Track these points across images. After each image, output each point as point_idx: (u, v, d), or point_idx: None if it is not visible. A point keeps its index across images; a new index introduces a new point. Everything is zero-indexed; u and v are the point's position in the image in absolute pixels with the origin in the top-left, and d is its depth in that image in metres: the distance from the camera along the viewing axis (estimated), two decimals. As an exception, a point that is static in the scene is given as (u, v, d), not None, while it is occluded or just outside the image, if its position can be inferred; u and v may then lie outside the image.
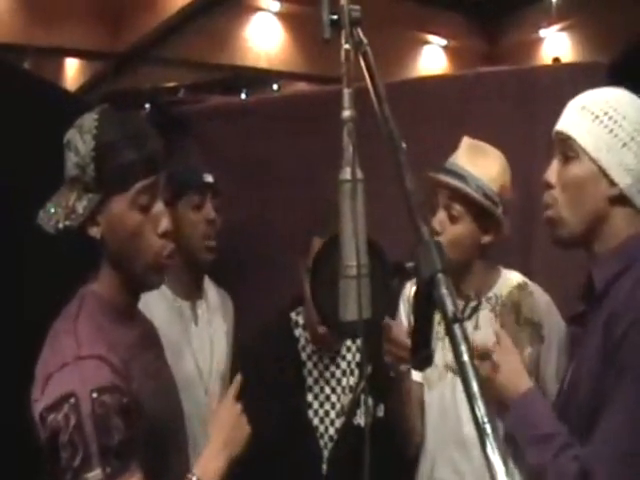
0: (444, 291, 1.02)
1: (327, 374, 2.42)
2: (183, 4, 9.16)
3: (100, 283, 1.71)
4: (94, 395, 1.49)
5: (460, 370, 0.96)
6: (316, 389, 2.42)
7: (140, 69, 11.40)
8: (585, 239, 1.76)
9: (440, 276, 1.03)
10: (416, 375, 2.27)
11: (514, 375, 1.87)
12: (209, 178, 2.46)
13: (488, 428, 0.92)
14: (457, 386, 2.16)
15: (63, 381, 1.52)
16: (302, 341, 2.46)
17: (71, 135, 1.66)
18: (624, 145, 1.69)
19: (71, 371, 1.53)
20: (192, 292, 2.50)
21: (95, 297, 1.69)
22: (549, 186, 1.79)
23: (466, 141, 2.24)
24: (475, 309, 1.99)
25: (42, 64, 11.01)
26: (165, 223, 1.68)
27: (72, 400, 1.49)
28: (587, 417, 1.63)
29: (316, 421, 2.40)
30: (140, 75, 11.81)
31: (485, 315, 2.21)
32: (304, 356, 2.45)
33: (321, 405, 2.41)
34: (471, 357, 0.96)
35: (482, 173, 2.15)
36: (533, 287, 2.27)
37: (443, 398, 2.23)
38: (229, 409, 1.84)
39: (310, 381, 2.43)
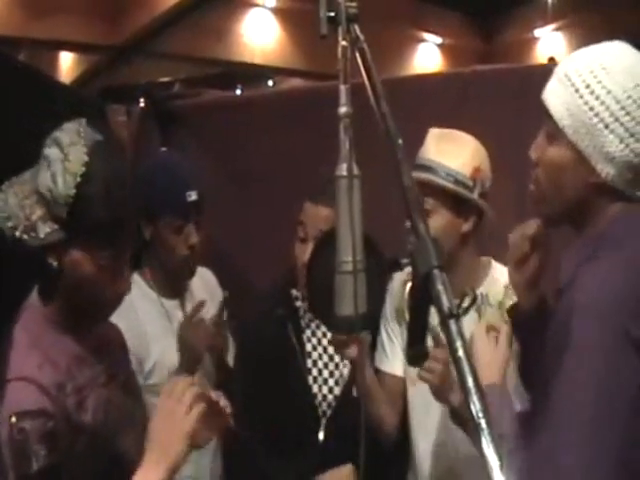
0: (440, 287, 1.02)
1: (324, 341, 2.44)
2: (179, -1, 9.17)
3: (47, 297, 1.63)
4: (13, 420, 1.43)
5: (456, 366, 0.97)
6: (315, 355, 2.44)
7: (135, 63, 11.39)
8: (569, 221, 1.60)
9: (436, 272, 1.03)
10: (397, 369, 2.27)
11: (481, 367, 1.72)
12: (192, 196, 2.26)
13: (483, 423, 0.93)
14: None
15: None
16: (301, 311, 2.47)
17: (54, 157, 1.53)
18: (606, 127, 1.45)
19: (3, 394, 1.49)
20: (177, 290, 2.45)
21: (37, 312, 1.63)
22: (534, 163, 1.63)
23: (432, 132, 2.17)
24: (471, 304, 1.98)
25: (37, 57, 10.97)
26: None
27: None
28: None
29: (315, 387, 2.42)
30: (135, 69, 11.79)
31: (469, 315, 2.14)
32: (303, 323, 2.46)
33: (320, 372, 2.43)
34: (466, 353, 0.97)
35: (451, 160, 2.08)
36: None
37: (427, 394, 2.21)
38: (166, 406, 1.50)
39: (309, 347, 2.44)
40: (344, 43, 1.29)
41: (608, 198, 1.51)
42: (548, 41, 13.11)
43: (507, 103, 2.69)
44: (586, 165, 1.49)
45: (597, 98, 1.46)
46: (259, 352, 2.40)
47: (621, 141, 1.45)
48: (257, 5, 11.77)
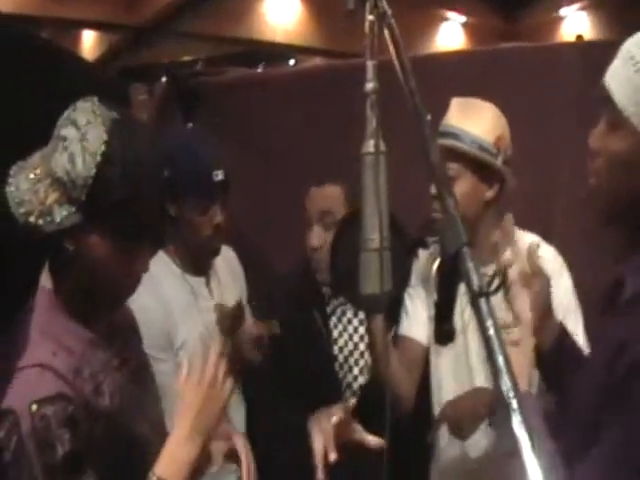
0: (470, 265, 1.01)
1: (350, 328, 2.45)
2: (201, -23, 9.14)
3: (58, 279, 1.58)
4: (34, 408, 1.41)
5: (486, 345, 0.95)
6: (341, 342, 2.45)
7: (157, 42, 11.37)
8: (631, 221, 1.44)
9: (465, 250, 1.02)
10: (418, 335, 2.24)
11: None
12: (219, 176, 2.21)
13: (514, 403, 0.91)
14: (470, 350, 2.13)
15: (5, 395, 1.44)
16: (327, 297, 2.48)
17: (71, 137, 1.47)
18: None
19: (13, 384, 1.45)
20: (202, 268, 2.41)
21: (47, 295, 1.58)
22: (593, 153, 1.47)
23: (455, 100, 2.18)
24: (502, 283, 1.95)
25: (58, 36, 10.99)
26: (145, 267, 1.59)
27: (12, 417, 1.41)
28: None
29: (341, 374, 2.43)
30: (157, 48, 11.78)
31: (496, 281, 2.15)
32: (329, 310, 2.47)
33: (346, 359, 2.43)
34: (497, 331, 0.95)
35: (475, 127, 2.10)
36: (544, 251, 2.08)
37: (457, 362, 2.19)
38: (198, 382, 1.55)
39: (335, 334, 2.45)
40: (371, 18, 1.27)
41: None
42: (573, 20, 12.96)
43: (533, 81, 2.66)
44: None
45: None
46: (284, 335, 2.38)
47: None
48: (279, -16, 11.74)
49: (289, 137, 2.98)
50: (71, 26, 11.31)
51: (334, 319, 2.45)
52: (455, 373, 2.19)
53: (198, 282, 2.37)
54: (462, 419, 2.12)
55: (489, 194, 2.13)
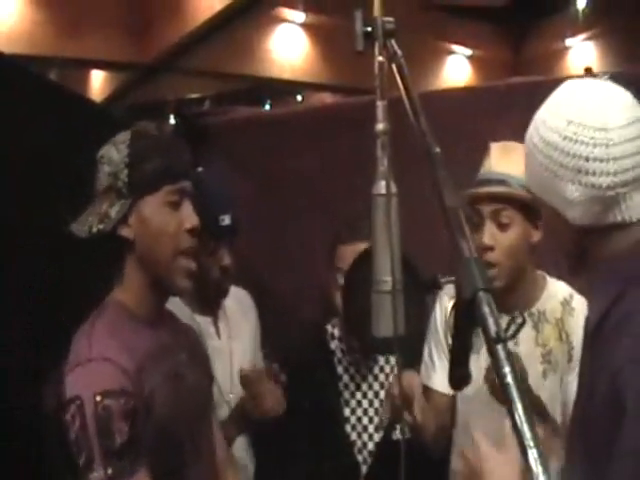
0: (486, 310, 0.99)
1: (364, 386, 2.41)
2: (208, 15, 9.18)
3: (124, 289, 1.77)
4: (98, 398, 1.54)
5: (504, 392, 0.93)
6: (353, 403, 2.40)
7: (165, 80, 11.44)
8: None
9: (481, 294, 1.00)
10: (446, 387, 2.18)
11: None
12: (226, 220, 2.26)
13: (534, 453, 0.89)
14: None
15: (72, 383, 1.60)
16: (338, 353, 2.44)
17: (105, 149, 1.76)
18: (556, 176, 1.44)
19: (80, 373, 1.60)
20: (211, 307, 2.43)
21: (118, 305, 1.75)
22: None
23: (494, 145, 2.19)
24: (520, 327, 1.94)
25: (68, 75, 11.08)
26: (193, 220, 1.76)
27: (78, 402, 1.55)
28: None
29: (354, 435, 2.38)
30: (165, 86, 11.86)
31: (526, 332, 2.13)
32: (340, 369, 2.43)
33: (359, 420, 2.39)
34: (515, 379, 0.93)
35: (518, 170, 2.04)
36: (577, 302, 2.17)
37: (484, 408, 2.14)
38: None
39: (347, 395, 2.41)
40: (380, 59, 1.27)
41: (597, 235, 1.46)
42: (579, 51, 12.99)
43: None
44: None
45: (541, 153, 1.46)
46: (293, 394, 2.34)
47: (572, 182, 1.42)
48: (286, 21, 11.78)
49: (298, 176, 2.97)
50: (80, 65, 11.40)
51: (346, 378, 2.41)
52: (484, 421, 2.11)
53: (206, 322, 2.38)
54: None
55: (536, 237, 2.13)
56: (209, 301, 2.40)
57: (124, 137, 1.76)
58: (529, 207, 2.08)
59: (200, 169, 2.53)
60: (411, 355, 2.26)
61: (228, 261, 2.28)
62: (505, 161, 2.13)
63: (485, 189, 2.12)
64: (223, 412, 2.31)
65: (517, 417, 0.90)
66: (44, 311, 2.16)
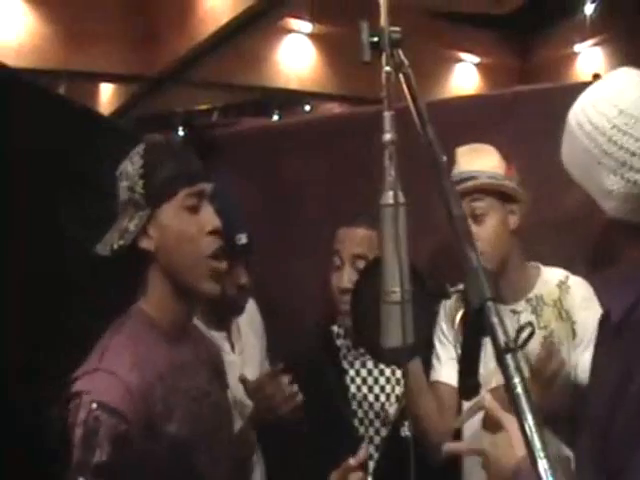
0: (495, 320, 0.98)
1: (370, 380, 2.41)
2: (216, 27, 9.20)
3: (148, 301, 1.74)
4: (93, 406, 1.52)
5: (514, 402, 0.92)
6: (359, 396, 2.41)
7: (173, 91, 11.48)
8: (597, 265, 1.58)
9: (490, 304, 1.00)
10: (450, 379, 2.23)
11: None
12: (243, 239, 2.26)
13: (545, 464, 0.88)
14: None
15: (77, 384, 1.57)
16: (344, 349, 2.45)
17: (123, 165, 1.76)
18: (599, 164, 1.42)
19: (85, 379, 1.58)
20: (223, 323, 2.42)
21: (141, 315, 1.73)
22: None
23: (459, 150, 2.29)
24: (530, 337, 1.93)
25: (77, 88, 11.12)
26: (213, 222, 1.73)
27: (77, 400, 1.54)
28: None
29: (362, 429, 2.38)
30: (173, 97, 11.90)
31: (526, 317, 2.20)
32: (345, 364, 2.44)
33: (365, 414, 2.39)
34: (525, 389, 0.93)
35: (485, 165, 2.22)
36: (573, 281, 2.24)
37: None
38: None
39: (353, 388, 2.41)
40: (388, 69, 1.27)
41: (628, 230, 1.43)
42: (587, 56, 12.98)
43: (551, 123, 2.63)
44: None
45: (587, 136, 1.42)
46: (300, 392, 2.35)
47: (615, 173, 1.39)
48: (294, 31, 11.82)
49: (307, 187, 2.97)
50: (88, 78, 11.45)
51: (352, 372, 2.41)
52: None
53: (220, 337, 2.36)
54: None
55: (514, 221, 2.22)
56: (224, 318, 2.40)
57: (138, 150, 1.76)
58: (500, 195, 2.20)
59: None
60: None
61: (245, 280, 2.28)
62: (471, 160, 2.24)
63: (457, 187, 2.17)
64: (238, 425, 2.31)
65: (527, 428, 0.90)
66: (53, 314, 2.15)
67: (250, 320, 2.53)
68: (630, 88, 1.41)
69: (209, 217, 1.73)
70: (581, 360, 2.11)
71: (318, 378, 2.38)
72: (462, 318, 1.56)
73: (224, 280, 2.20)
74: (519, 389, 0.92)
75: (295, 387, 2.13)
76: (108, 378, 1.57)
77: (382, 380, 2.41)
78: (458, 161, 2.26)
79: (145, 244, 1.70)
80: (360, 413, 2.39)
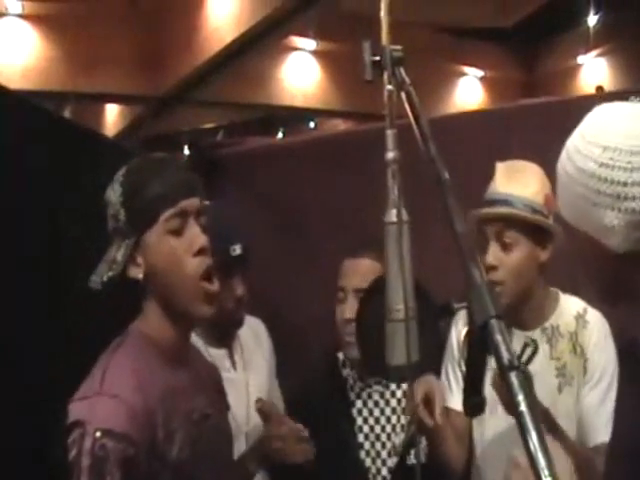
0: (498, 337, 0.98)
1: (377, 412, 2.40)
2: (220, 47, 9.25)
3: (146, 322, 1.71)
4: (97, 434, 1.49)
5: (518, 421, 0.92)
6: (366, 429, 2.39)
7: (178, 111, 11.52)
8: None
9: (494, 322, 0.99)
10: (458, 404, 2.18)
11: None
12: (237, 250, 2.24)
13: (550, 482, 0.88)
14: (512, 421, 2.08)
15: (78, 409, 1.54)
16: (350, 380, 2.44)
17: (107, 193, 1.71)
18: (594, 205, 1.40)
19: (87, 403, 1.54)
20: (225, 339, 2.41)
21: (140, 336, 1.70)
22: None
23: (499, 166, 2.18)
24: (533, 354, 1.93)
25: (83, 110, 11.18)
26: (199, 242, 1.66)
27: (80, 430, 1.50)
28: None
29: (368, 462, 2.37)
30: (179, 117, 11.94)
31: (540, 346, 2.10)
32: (352, 395, 2.42)
33: (372, 445, 2.38)
34: (529, 407, 0.92)
35: (524, 190, 2.10)
36: (591, 316, 2.17)
37: (497, 434, 2.15)
38: None
39: (360, 421, 2.40)
40: (390, 87, 1.28)
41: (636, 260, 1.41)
42: (591, 68, 12.98)
43: (554, 137, 2.63)
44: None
45: (577, 182, 1.41)
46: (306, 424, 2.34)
47: (612, 209, 1.37)
48: (297, 49, 11.86)
49: (313, 205, 2.97)
50: (94, 100, 11.51)
51: (359, 404, 2.40)
52: (499, 443, 2.12)
53: (220, 355, 2.36)
54: None
55: (543, 256, 2.13)
56: (223, 333, 2.38)
57: (118, 176, 1.70)
58: (534, 227, 2.09)
59: (207, 202, 2.52)
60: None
61: (241, 291, 2.27)
62: (509, 181, 2.13)
63: (487, 210, 2.12)
64: (240, 445, 2.30)
65: (532, 446, 0.89)
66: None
67: (256, 337, 2.52)
68: (608, 122, 1.41)
69: (194, 237, 1.67)
70: (587, 399, 2.10)
71: (325, 410, 2.38)
72: (466, 335, 1.56)
73: (220, 296, 2.22)
74: (523, 407, 0.92)
75: (309, 444, 2.12)
76: (112, 402, 1.53)
77: (388, 411, 2.40)
78: (495, 179, 2.16)
79: (133, 273, 1.67)
80: (367, 445, 2.38)
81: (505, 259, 2.09)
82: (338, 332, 2.36)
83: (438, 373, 2.28)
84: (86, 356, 1.67)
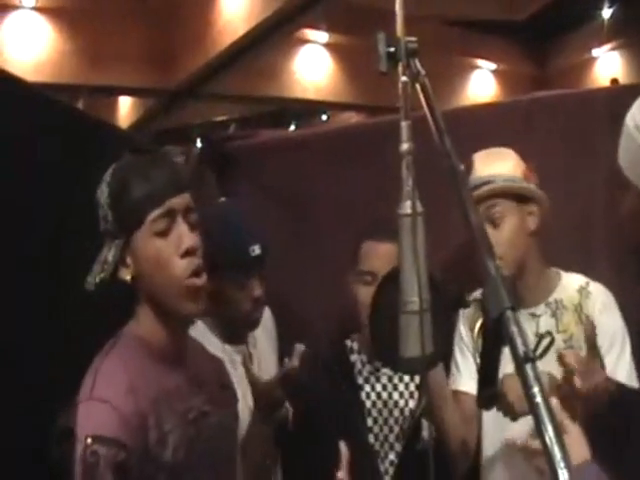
0: (514, 329, 0.98)
1: (385, 395, 2.40)
2: (232, 40, 9.24)
3: (139, 323, 1.70)
4: (88, 441, 1.49)
5: (533, 413, 0.92)
6: (374, 412, 2.40)
7: (190, 105, 11.53)
8: None
9: (509, 313, 0.99)
10: (472, 388, 2.14)
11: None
12: (256, 251, 2.20)
13: (565, 475, 0.87)
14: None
15: (72, 417, 1.54)
16: (358, 365, 2.45)
17: (97, 193, 1.69)
18: None
19: (80, 410, 1.54)
20: (241, 337, 2.39)
21: (133, 338, 1.69)
22: None
23: (476, 155, 2.28)
24: (549, 346, 1.93)
25: (96, 103, 11.20)
26: (186, 242, 1.63)
27: (72, 437, 1.51)
28: None
29: (377, 445, 2.37)
30: (191, 111, 11.95)
31: (546, 320, 2.19)
32: (361, 380, 2.43)
33: (380, 429, 2.39)
34: (544, 398, 0.92)
35: (502, 168, 2.21)
36: (593, 287, 2.23)
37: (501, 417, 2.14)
38: None
39: (368, 404, 2.41)
40: (404, 79, 1.27)
41: None
42: (605, 61, 12.91)
43: (570, 129, 2.63)
44: None
45: None
46: (315, 410, 2.34)
47: None
48: (310, 41, 11.84)
49: (325, 197, 2.97)
50: (107, 93, 11.53)
51: (367, 388, 2.41)
52: (502, 426, 2.12)
53: (237, 350, 2.35)
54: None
55: (532, 224, 2.20)
56: (240, 332, 2.37)
57: (105, 176, 1.69)
58: (518, 197, 2.18)
59: (224, 199, 2.52)
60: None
61: (259, 292, 2.23)
62: (487, 165, 2.22)
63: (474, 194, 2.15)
64: None
65: (547, 438, 0.89)
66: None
67: (265, 330, 2.51)
68: None
69: (182, 237, 1.63)
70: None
71: (333, 394, 2.38)
72: (481, 327, 1.56)
73: (236, 297, 2.21)
74: (539, 398, 0.92)
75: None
76: (102, 407, 1.52)
77: (395, 395, 2.41)
78: (475, 167, 2.24)
79: (123, 274, 1.65)
80: (375, 429, 2.38)
81: (496, 235, 2.14)
82: (357, 315, 2.32)
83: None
84: (86, 356, 1.66)
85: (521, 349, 0.96)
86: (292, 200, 3.00)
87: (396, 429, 2.37)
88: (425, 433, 2.28)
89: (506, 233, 2.16)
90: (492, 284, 1.03)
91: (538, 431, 0.91)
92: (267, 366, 2.46)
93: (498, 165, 2.22)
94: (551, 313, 2.20)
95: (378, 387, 2.41)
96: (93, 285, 1.64)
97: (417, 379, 2.40)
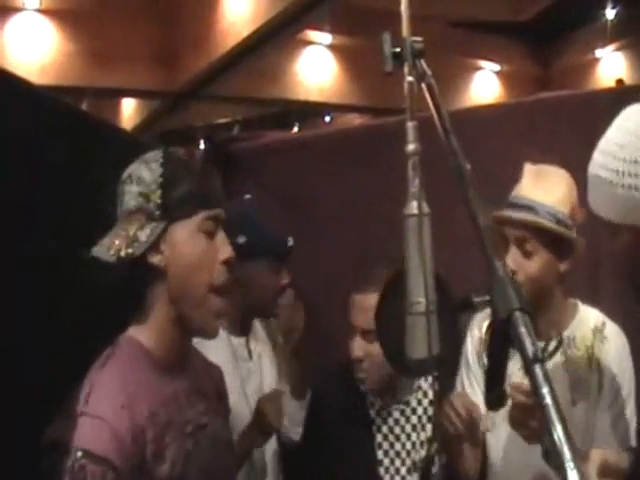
0: (522, 330, 0.97)
1: (397, 429, 2.38)
2: (235, 41, 9.24)
3: (146, 326, 1.64)
4: (78, 454, 1.45)
5: (543, 413, 0.91)
6: (385, 445, 2.37)
7: (194, 106, 11.54)
8: None
9: (517, 314, 0.98)
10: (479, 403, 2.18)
11: None
12: (291, 242, 2.43)
13: (575, 475, 0.87)
14: None
15: (59, 428, 1.57)
16: (370, 397, 2.41)
17: (134, 168, 1.64)
18: (636, 190, 1.46)
19: (72, 423, 1.51)
20: (245, 328, 2.46)
21: (133, 344, 1.63)
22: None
23: (528, 168, 2.11)
24: (556, 348, 1.90)
25: (100, 104, 11.22)
26: (228, 251, 1.63)
27: (62, 448, 1.50)
28: None
29: (387, 478, 2.35)
30: (194, 112, 11.96)
31: (554, 358, 2.08)
32: (372, 413, 2.40)
33: (392, 462, 2.36)
34: (554, 399, 0.92)
35: (550, 198, 2.02)
36: (609, 330, 2.12)
37: (511, 438, 2.09)
38: None
39: (379, 437, 2.38)
40: (410, 79, 1.27)
41: None
42: (609, 62, 12.90)
43: (574, 130, 2.62)
44: None
45: (626, 175, 1.45)
46: (328, 440, 2.33)
47: None
48: (313, 43, 11.84)
49: (329, 199, 2.97)
50: (111, 95, 11.55)
51: (378, 421, 2.39)
52: (513, 445, 2.09)
53: (239, 343, 2.41)
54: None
55: (563, 267, 2.07)
56: (248, 322, 2.46)
57: (155, 156, 1.64)
58: (556, 237, 2.02)
59: (248, 196, 2.55)
60: (446, 378, 2.25)
61: (287, 280, 2.42)
62: (536, 186, 2.06)
63: (510, 213, 2.06)
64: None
65: (557, 438, 0.89)
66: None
67: (263, 340, 2.56)
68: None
69: (225, 245, 1.64)
70: (601, 419, 2.05)
71: (345, 427, 2.37)
72: (488, 328, 1.54)
73: (267, 283, 2.36)
74: (548, 399, 0.91)
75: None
76: (95, 423, 1.48)
77: (408, 428, 2.39)
78: (521, 182, 2.10)
79: (155, 259, 1.59)
80: (386, 462, 2.36)
81: (525, 265, 2.03)
82: (352, 366, 2.36)
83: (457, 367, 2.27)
84: (86, 356, 1.62)
85: (530, 350, 0.95)
86: (295, 201, 3.01)
87: (408, 462, 2.35)
88: (435, 468, 2.26)
89: (535, 268, 2.03)
90: (500, 285, 1.03)
91: (547, 431, 0.90)
92: (270, 370, 2.49)
93: (547, 191, 2.04)
94: (561, 351, 2.09)
95: (390, 421, 2.38)
96: (116, 258, 1.55)
97: (430, 411, 2.38)
